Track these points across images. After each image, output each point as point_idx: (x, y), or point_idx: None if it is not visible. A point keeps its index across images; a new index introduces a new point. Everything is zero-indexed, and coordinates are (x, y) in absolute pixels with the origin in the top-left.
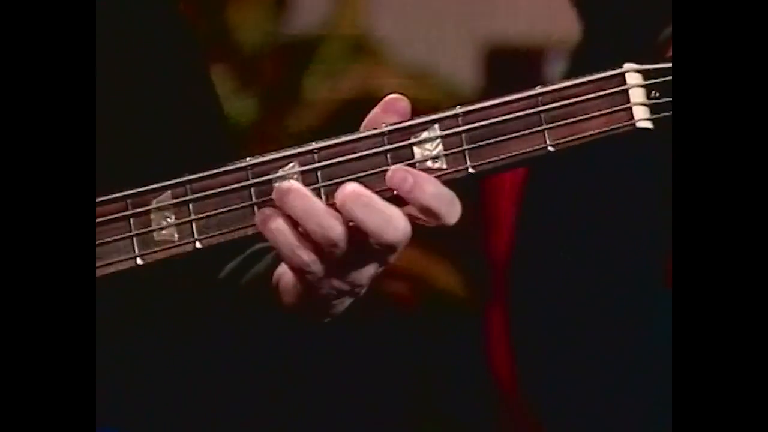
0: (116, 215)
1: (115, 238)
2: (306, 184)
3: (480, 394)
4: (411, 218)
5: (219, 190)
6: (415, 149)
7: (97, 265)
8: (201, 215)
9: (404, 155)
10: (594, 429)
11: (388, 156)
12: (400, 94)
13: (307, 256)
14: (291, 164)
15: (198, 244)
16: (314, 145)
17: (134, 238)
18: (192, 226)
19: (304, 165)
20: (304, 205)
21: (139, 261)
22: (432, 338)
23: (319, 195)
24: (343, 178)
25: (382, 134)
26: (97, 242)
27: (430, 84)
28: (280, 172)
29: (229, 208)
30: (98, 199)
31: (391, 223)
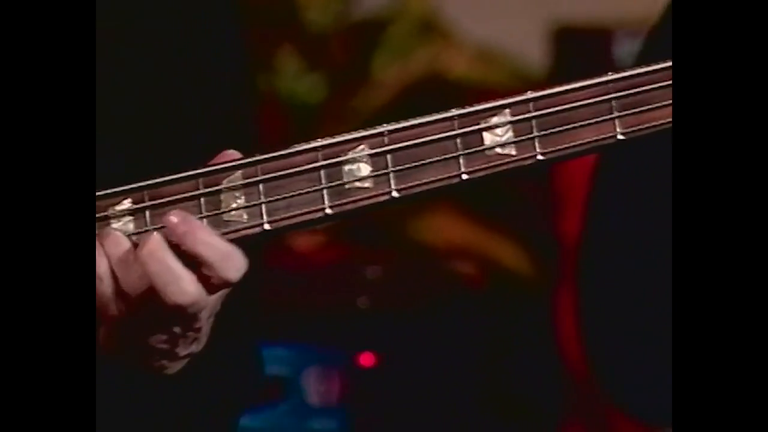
0: (187, 194)
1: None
2: (375, 167)
3: (548, 374)
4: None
5: (289, 171)
6: (485, 135)
7: None
8: (271, 197)
9: (474, 141)
10: (664, 408)
11: (458, 141)
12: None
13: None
14: (361, 146)
15: (267, 226)
16: (385, 128)
17: (204, 219)
18: (261, 208)
19: (374, 148)
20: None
21: None
22: (500, 318)
23: (388, 181)
24: (413, 163)
25: (452, 118)
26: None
27: (498, 64)
28: (350, 155)
29: (299, 190)
30: (171, 177)
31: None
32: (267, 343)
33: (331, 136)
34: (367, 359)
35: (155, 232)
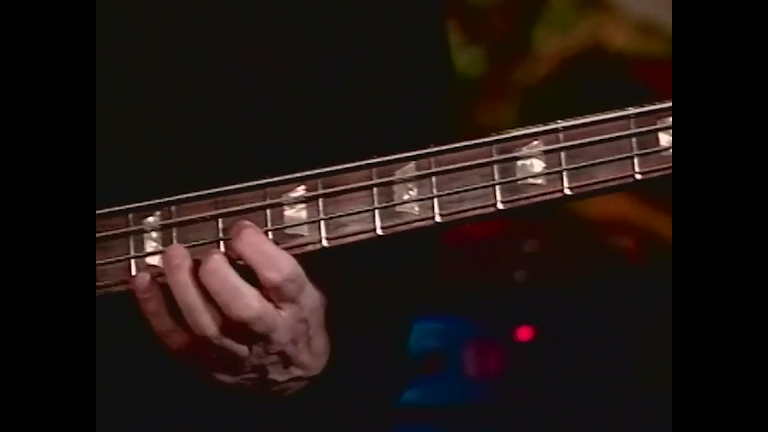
0: (360, 184)
1: (359, 208)
2: (549, 164)
3: None
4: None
5: (462, 164)
6: (661, 135)
7: (337, 235)
8: (443, 190)
9: (649, 141)
10: None
11: (633, 141)
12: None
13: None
14: (535, 142)
15: (438, 219)
16: (560, 124)
17: (376, 210)
18: (434, 201)
19: (548, 144)
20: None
21: (379, 232)
22: (658, 293)
23: (560, 178)
24: (587, 162)
25: (628, 117)
26: (339, 212)
27: (659, 36)
28: (524, 150)
29: (471, 185)
30: (345, 166)
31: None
32: (425, 316)
33: (506, 131)
34: (524, 333)
35: (215, 252)
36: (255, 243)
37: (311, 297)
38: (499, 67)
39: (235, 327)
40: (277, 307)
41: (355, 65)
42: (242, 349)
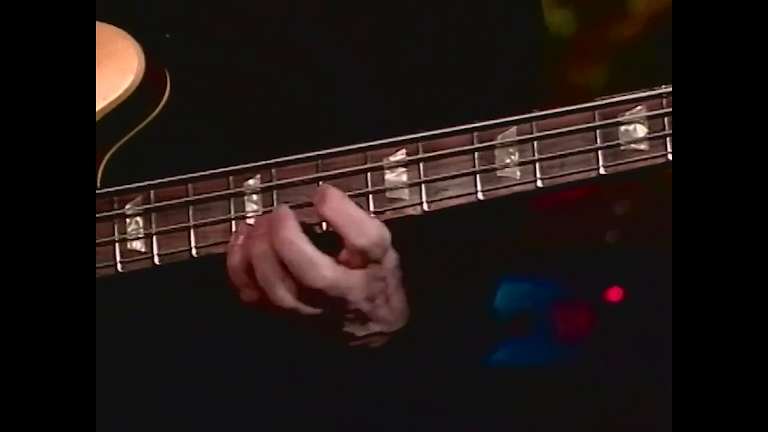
0: (461, 148)
1: (460, 172)
2: (652, 129)
3: None
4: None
5: (563, 129)
6: None
7: (440, 198)
8: (544, 154)
9: None
10: None
11: None
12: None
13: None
14: (638, 107)
15: (540, 183)
16: (663, 89)
17: (477, 175)
18: (535, 166)
19: (652, 110)
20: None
21: (480, 196)
22: None
23: (664, 143)
24: None
25: None
26: (439, 176)
27: None
28: (627, 115)
29: (573, 149)
30: (446, 130)
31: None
32: (515, 278)
33: (608, 96)
34: (614, 294)
35: (289, 219)
36: (341, 209)
37: (391, 257)
38: (590, 26)
39: (309, 293)
40: (353, 268)
41: (452, 27)
42: (318, 312)
